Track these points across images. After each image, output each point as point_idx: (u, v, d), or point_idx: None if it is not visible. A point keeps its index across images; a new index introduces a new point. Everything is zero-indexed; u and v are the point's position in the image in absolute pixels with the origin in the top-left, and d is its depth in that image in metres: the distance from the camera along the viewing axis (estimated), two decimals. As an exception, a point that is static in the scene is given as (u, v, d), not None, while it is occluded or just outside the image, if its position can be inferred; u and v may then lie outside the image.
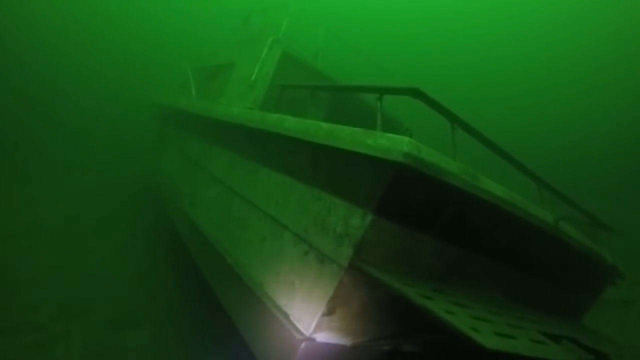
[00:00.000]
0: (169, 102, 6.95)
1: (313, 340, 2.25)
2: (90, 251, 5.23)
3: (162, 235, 6.23)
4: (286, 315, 2.43)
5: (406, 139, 1.92)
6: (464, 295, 2.36)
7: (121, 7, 19.75)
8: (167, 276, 5.22)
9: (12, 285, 3.95)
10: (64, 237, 5.38)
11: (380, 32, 24.11)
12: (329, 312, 2.21)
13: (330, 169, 2.37)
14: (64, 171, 8.12)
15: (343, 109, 5.18)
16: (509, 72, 22.17)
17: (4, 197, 6.02)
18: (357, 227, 2.06)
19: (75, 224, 5.85)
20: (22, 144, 8.70)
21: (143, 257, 5.56)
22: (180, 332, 4.16)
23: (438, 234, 2.29)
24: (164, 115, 7.51)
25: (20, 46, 13.41)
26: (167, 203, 5.85)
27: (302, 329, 2.29)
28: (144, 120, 10.46)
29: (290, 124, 2.80)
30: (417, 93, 2.26)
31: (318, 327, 2.23)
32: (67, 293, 4.15)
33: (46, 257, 4.74)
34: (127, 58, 16.72)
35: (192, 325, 4.32)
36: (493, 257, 2.68)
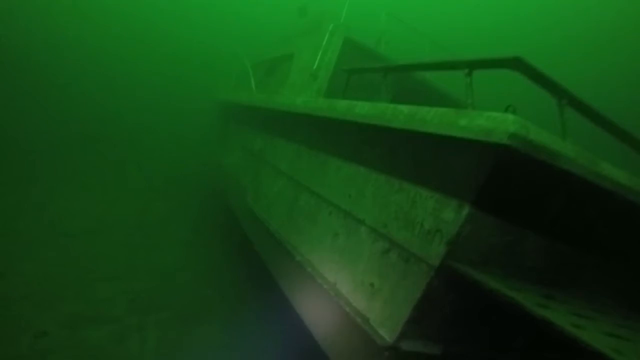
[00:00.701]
0: (229, 97, 6.99)
1: (398, 348, 2.01)
2: (159, 247, 5.35)
3: (227, 231, 6.29)
4: (366, 320, 2.21)
5: (510, 116, 1.62)
6: (581, 303, 2.00)
7: (176, 5, 20.35)
8: (233, 272, 5.22)
9: (89, 279, 4.09)
10: (135, 233, 5.56)
11: (446, 14, 22.75)
12: (416, 317, 1.96)
13: (413, 156, 2.11)
14: (132, 168, 8.52)
15: (411, 98, 4.86)
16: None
17: (77, 194, 6.36)
18: (451, 221, 1.78)
19: (144, 220, 6.05)
20: (92, 143, 9.24)
21: (208, 253, 5.61)
22: (249, 328, 4.11)
23: (547, 229, 1.96)
24: (225, 111, 7.59)
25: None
26: (230, 198, 5.87)
27: (385, 335, 2.06)
28: (207, 117, 10.75)
29: (363, 109, 2.56)
30: (518, 64, 1.92)
31: (403, 334, 1.99)
32: (140, 288, 4.24)
33: (120, 252, 4.90)
34: (186, 54, 17.31)
35: (260, 321, 4.26)
36: (606, 255, 2.28)
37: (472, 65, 2.06)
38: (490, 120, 1.65)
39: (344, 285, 2.48)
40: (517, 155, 1.60)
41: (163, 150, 10.52)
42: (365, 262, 2.34)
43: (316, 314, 2.79)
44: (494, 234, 1.83)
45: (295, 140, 3.70)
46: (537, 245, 1.99)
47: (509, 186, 1.74)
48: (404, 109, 2.19)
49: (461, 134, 1.75)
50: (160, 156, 10.05)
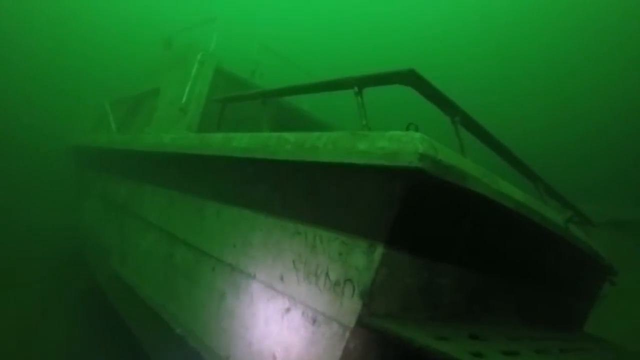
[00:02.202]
0: (84, 141, 5.96)
1: None
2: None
3: (89, 304, 5.12)
4: None
5: (417, 134, 1.39)
6: (498, 334, 1.84)
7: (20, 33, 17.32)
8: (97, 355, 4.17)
9: None
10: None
11: (321, 44, 23.61)
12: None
13: (307, 192, 1.77)
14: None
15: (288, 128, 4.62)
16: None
17: None
18: (363, 267, 1.46)
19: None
20: None
21: (64, 332, 4.44)
22: None
23: (457, 259, 1.77)
24: (81, 158, 6.46)
25: None
26: (91, 262, 4.82)
27: None
28: (58, 168, 9.12)
29: (242, 141, 2.17)
30: (412, 78, 1.75)
31: None
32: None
33: None
34: (30, 94, 14.73)
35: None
36: (507, 274, 2.21)
37: (362, 83, 1.84)
38: (394, 141, 1.40)
39: None
40: (428, 179, 1.37)
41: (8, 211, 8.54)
42: (262, 327, 1.88)
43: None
44: (410, 273, 1.57)
45: (165, 185, 3.12)
46: (451, 278, 1.78)
47: (422, 216, 1.50)
48: (290, 137, 1.86)
49: (362, 160, 1.46)
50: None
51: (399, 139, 1.39)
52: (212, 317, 2.22)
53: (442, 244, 1.67)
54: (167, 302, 2.69)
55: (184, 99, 3.65)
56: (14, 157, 11.23)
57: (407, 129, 1.48)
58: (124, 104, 6.06)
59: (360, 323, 1.44)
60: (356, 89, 1.83)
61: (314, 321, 1.61)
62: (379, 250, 1.42)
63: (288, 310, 1.75)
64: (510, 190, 1.80)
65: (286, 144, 1.85)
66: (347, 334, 1.47)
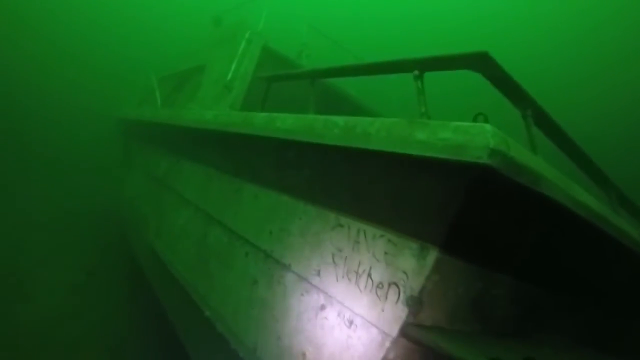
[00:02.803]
0: (131, 114, 6.07)
1: None
2: (33, 296, 4.23)
3: (129, 273, 5.27)
4: None
5: (488, 126, 1.19)
6: (556, 358, 1.62)
7: (77, 17, 18.17)
8: (131, 326, 4.27)
9: None
10: (3, 279, 4.37)
11: (370, 27, 22.68)
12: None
13: (354, 181, 1.61)
14: (14, 198, 7.04)
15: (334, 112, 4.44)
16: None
17: None
18: (412, 271, 1.30)
19: (20, 261, 4.84)
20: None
21: (103, 302, 4.59)
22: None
23: (517, 269, 1.56)
24: (127, 131, 6.61)
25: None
26: (130, 234, 4.91)
27: None
28: (109, 137, 9.45)
29: (286, 122, 2.03)
30: (485, 63, 1.53)
31: None
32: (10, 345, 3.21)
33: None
34: (86, 72, 15.44)
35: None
36: (572, 291, 1.96)
37: (425, 66, 1.64)
38: (459, 132, 1.21)
39: (266, 353, 1.87)
40: (497, 178, 1.18)
41: (52, 176, 8.97)
42: (294, 321, 1.76)
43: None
44: (464, 282, 1.38)
45: (204, 163, 3.06)
46: (506, 290, 1.58)
47: (484, 219, 1.30)
48: (339, 120, 1.70)
49: (420, 151, 1.28)
50: (48, 183, 8.54)
51: (467, 131, 1.20)
52: (242, 304, 2.13)
53: (503, 252, 1.46)
54: (198, 283, 2.63)
55: (229, 76, 3.57)
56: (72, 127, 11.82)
57: (475, 119, 1.28)
58: (171, 81, 6.11)
59: (404, 333, 1.29)
60: (417, 72, 1.64)
61: (351, 323, 1.47)
62: (433, 255, 1.25)
63: (323, 307, 1.62)
64: (585, 198, 1.57)
65: (334, 128, 1.69)
66: (388, 343, 1.32)
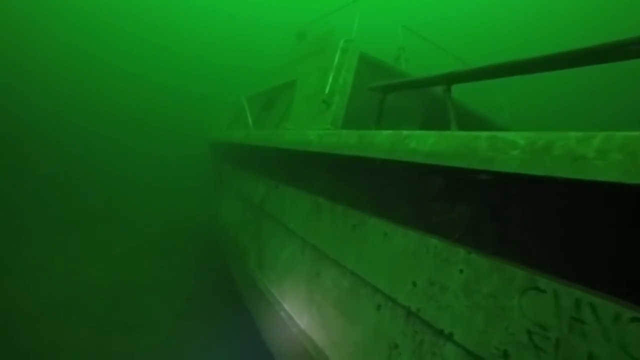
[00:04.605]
0: (223, 136, 6.07)
1: None
2: (140, 327, 4.26)
3: (230, 300, 5.18)
4: None
5: None
6: None
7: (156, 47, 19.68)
8: (232, 355, 4.09)
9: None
10: (113, 309, 4.49)
11: (466, 27, 21.53)
12: None
13: (545, 223, 1.12)
14: (114, 225, 7.51)
15: (440, 121, 3.91)
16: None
17: (48, 258, 5.37)
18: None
19: (125, 292, 4.98)
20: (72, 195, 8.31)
21: (204, 328, 4.50)
22: None
23: None
24: (220, 154, 6.66)
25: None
26: (230, 262, 4.79)
27: None
28: (201, 163, 9.84)
29: (425, 143, 1.59)
30: None
31: None
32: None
33: (91, 333, 3.89)
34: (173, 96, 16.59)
35: None
36: None
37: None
38: None
39: None
40: None
41: (152, 202, 9.51)
42: None
43: None
44: None
45: (309, 190, 2.72)
46: None
47: None
48: (516, 138, 1.22)
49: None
50: (148, 208, 9.04)
51: None
52: (365, 356, 1.71)
53: None
54: (312, 332, 2.27)
55: (326, 90, 3.24)
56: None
57: None
58: (258, 100, 6.01)
59: None
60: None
61: None
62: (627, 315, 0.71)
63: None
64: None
65: (510, 149, 1.22)
66: None
